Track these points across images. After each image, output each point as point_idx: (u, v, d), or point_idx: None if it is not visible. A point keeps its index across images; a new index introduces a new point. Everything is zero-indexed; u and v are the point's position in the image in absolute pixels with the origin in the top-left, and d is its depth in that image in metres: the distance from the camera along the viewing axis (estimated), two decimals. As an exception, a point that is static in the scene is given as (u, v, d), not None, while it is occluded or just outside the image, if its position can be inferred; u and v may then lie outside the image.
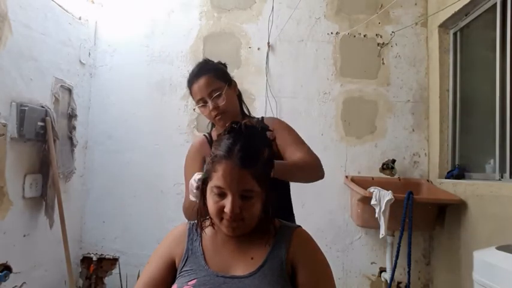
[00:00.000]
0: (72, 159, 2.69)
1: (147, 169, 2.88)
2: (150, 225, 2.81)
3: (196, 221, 1.11)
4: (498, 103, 2.10)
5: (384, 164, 2.71)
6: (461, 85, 2.59)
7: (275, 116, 2.80)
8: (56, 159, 2.35)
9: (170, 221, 2.69)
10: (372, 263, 2.74)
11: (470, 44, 2.54)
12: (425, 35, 2.83)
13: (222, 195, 0.99)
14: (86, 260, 2.89)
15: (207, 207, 1.04)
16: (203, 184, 1.06)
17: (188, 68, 2.93)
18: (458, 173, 2.45)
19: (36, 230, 2.35)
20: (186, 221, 1.19)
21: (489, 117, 2.19)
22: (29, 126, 2.17)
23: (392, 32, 2.83)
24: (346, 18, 2.89)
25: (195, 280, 0.97)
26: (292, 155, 1.49)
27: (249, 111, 1.64)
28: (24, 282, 2.27)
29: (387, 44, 2.85)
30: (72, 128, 2.68)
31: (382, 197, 2.28)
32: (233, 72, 2.88)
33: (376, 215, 2.30)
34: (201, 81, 1.46)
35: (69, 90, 2.67)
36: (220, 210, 0.99)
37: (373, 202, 2.29)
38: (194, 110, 1.58)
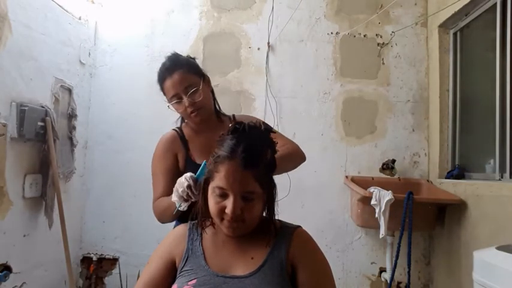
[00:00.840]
0: (72, 159, 2.69)
1: (147, 169, 2.86)
2: (150, 225, 2.78)
3: (195, 221, 1.11)
4: (498, 103, 2.10)
5: (383, 164, 2.71)
6: (461, 85, 2.59)
7: (275, 116, 2.81)
8: (56, 159, 2.35)
9: (170, 221, 2.68)
10: (372, 263, 2.74)
11: (470, 44, 2.54)
12: (425, 35, 2.83)
13: (223, 195, 0.99)
14: (86, 260, 2.89)
15: (207, 207, 1.04)
16: (204, 184, 1.06)
17: (188, 68, 2.93)
18: (458, 173, 2.45)
19: (36, 230, 2.35)
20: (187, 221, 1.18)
21: (489, 117, 2.19)
22: (29, 126, 2.17)
23: (392, 32, 2.83)
24: (346, 18, 2.89)
25: (195, 280, 0.97)
26: None
27: (219, 107, 1.60)
28: (24, 282, 2.27)
29: (387, 44, 2.85)
30: (72, 128, 2.68)
31: (382, 197, 2.28)
32: (233, 72, 2.91)
33: (376, 215, 2.30)
34: (176, 77, 1.41)
35: (69, 90, 2.67)
36: (222, 211, 0.99)
37: (373, 202, 2.29)
38: (168, 107, 1.50)
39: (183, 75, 1.42)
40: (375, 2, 2.86)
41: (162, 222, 1.49)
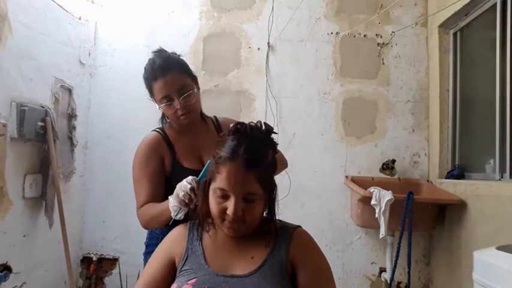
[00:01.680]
0: (72, 159, 2.69)
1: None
2: (150, 225, 2.81)
3: (195, 221, 1.11)
4: (498, 103, 2.10)
5: (383, 164, 2.71)
6: (461, 85, 2.59)
7: (275, 116, 2.81)
8: (56, 159, 2.35)
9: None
10: (372, 263, 2.74)
11: (470, 44, 2.54)
12: (425, 35, 2.83)
13: (224, 197, 0.99)
14: (86, 260, 2.89)
15: (208, 207, 1.04)
16: (205, 184, 1.05)
17: (188, 68, 2.93)
18: (458, 173, 2.45)
19: (36, 230, 2.35)
20: (187, 221, 1.18)
21: (489, 117, 2.19)
22: (29, 126, 2.17)
23: (392, 32, 2.83)
24: (346, 18, 2.89)
25: (195, 279, 0.97)
26: None
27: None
28: (24, 282, 2.27)
29: (387, 44, 2.85)
30: (72, 128, 2.68)
31: (382, 197, 2.28)
32: (233, 72, 2.91)
33: (376, 215, 2.30)
34: (170, 77, 1.33)
35: (69, 90, 2.67)
36: (223, 212, 0.99)
37: (373, 202, 2.29)
38: (161, 107, 1.40)
39: (176, 76, 1.35)
40: (375, 2, 2.86)
41: (147, 229, 1.46)
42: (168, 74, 1.34)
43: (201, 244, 1.06)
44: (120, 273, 2.77)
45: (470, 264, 1.41)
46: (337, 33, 2.88)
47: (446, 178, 2.54)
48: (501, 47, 2.09)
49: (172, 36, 2.96)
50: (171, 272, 1.04)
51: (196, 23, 2.97)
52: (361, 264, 2.74)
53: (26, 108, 2.15)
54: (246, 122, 1.06)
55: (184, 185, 1.16)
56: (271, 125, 1.07)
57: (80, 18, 2.78)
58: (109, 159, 2.91)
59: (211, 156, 1.06)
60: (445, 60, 2.66)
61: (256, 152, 1.00)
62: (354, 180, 2.66)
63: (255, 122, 1.05)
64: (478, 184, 2.17)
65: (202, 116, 1.53)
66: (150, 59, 1.41)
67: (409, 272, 2.29)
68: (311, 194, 2.78)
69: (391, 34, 2.84)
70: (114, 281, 2.82)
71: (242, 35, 2.94)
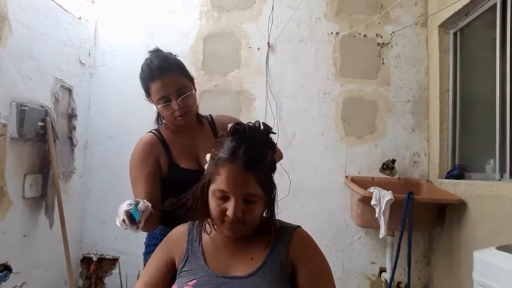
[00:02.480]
0: (72, 159, 2.69)
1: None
2: (150, 225, 2.81)
3: (196, 222, 1.11)
4: (498, 103, 2.10)
5: (384, 164, 2.71)
6: (461, 85, 2.59)
7: (275, 116, 2.81)
8: (56, 159, 2.35)
9: (170, 221, 2.68)
10: (372, 263, 2.74)
11: (470, 44, 2.54)
12: (425, 35, 2.83)
13: (224, 198, 0.98)
14: (86, 260, 2.89)
15: (208, 208, 1.04)
16: (205, 184, 1.05)
17: (188, 68, 2.89)
18: (458, 173, 2.45)
19: (36, 230, 2.35)
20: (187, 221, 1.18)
21: (489, 117, 2.18)
22: (29, 126, 2.17)
23: (392, 32, 2.83)
24: (346, 18, 2.89)
25: (195, 280, 0.97)
26: None
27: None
28: (24, 282, 2.27)
29: (387, 44, 2.85)
30: (72, 128, 2.68)
31: (382, 197, 2.28)
32: (233, 72, 2.91)
33: (376, 215, 2.30)
34: (168, 78, 1.33)
35: (69, 90, 2.67)
36: (223, 214, 0.99)
37: (373, 202, 2.29)
38: (158, 108, 1.39)
39: (175, 77, 1.35)
40: (375, 2, 2.86)
41: (146, 232, 1.44)
42: (167, 75, 1.34)
43: (201, 245, 1.06)
44: (120, 273, 2.77)
45: (470, 264, 1.41)
46: (337, 33, 2.88)
47: (446, 178, 2.54)
48: (501, 47, 2.09)
49: (172, 36, 2.96)
50: (171, 272, 1.04)
51: (196, 23, 2.97)
52: (361, 264, 2.74)
53: (26, 108, 2.15)
54: (246, 122, 1.06)
55: (118, 213, 1.16)
56: (271, 125, 1.06)
57: (80, 18, 2.78)
58: (109, 159, 2.91)
59: (210, 157, 1.06)
60: (445, 60, 2.66)
61: (256, 153, 0.99)
62: (354, 180, 2.66)
63: (254, 122, 1.05)
64: (478, 184, 2.17)
65: (198, 117, 1.53)
66: (147, 59, 1.41)
67: (409, 272, 2.29)
68: (311, 194, 2.78)
69: (391, 34, 2.84)
70: (114, 281, 2.82)
71: (242, 35, 2.94)
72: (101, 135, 2.94)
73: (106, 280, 2.88)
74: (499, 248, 1.35)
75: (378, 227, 2.32)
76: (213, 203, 1.01)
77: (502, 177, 2.06)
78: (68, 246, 2.37)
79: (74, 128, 2.69)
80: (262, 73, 2.88)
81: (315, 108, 2.85)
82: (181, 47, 2.96)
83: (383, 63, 2.84)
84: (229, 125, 1.05)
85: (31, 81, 2.27)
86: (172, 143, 1.45)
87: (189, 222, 1.14)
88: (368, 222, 2.44)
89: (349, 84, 2.85)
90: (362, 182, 2.58)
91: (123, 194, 2.95)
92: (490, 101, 2.18)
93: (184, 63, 1.46)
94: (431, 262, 2.70)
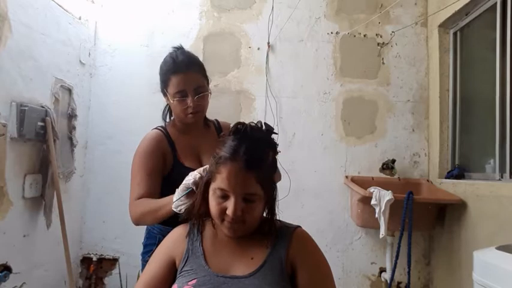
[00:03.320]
0: (72, 159, 2.69)
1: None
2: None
3: (196, 221, 1.11)
4: (498, 103, 2.10)
5: (383, 164, 2.71)
6: (461, 85, 2.59)
7: (275, 116, 2.81)
8: (56, 159, 2.35)
9: (170, 221, 2.68)
10: (372, 263, 2.74)
11: (470, 44, 2.54)
12: (425, 35, 2.83)
13: (224, 197, 0.99)
14: (86, 260, 2.89)
15: (208, 207, 1.04)
16: (205, 184, 1.05)
17: (188, 68, 2.93)
18: (458, 173, 2.45)
19: (36, 230, 2.35)
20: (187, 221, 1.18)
21: (489, 117, 2.19)
22: (29, 126, 2.17)
23: (392, 31, 2.83)
24: (346, 18, 2.89)
25: (195, 280, 0.97)
26: None
27: None
28: (24, 283, 2.27)
29: (387, 43, 2.85)
30: (72, 128, 2.68)
31: (382, 197, 2.28)
32: (233, 72, 2.91)
33: (376, 215, 2.30)
34: (190, 75, 1.39)
35: (69, 90, 2.67)
36: (222, 212, 0.99)
37: (373, 202, 2.29)
38: (168, 98, 1.43)
39: (197, 75, 1.40)
40: (375, 2, 2.86)
41: (137, 224, 1.43)
42: (190, 71, 1.39)
43: (201, 245, 1.06)
44: (120, 273, 2.77)
45: (470, 264, 1.41)
46: (337, 33, 2.88)
47: (446, 178, 2.54)
48: (501, 47, 2.09)
49: (172, 36, 2.96)
50: (171, 272, 1.04)
51: (196, 22, 2.97)
52: (361, 264, 2.74)
53: (26, 108, 2.15)
54: (246, 122, 1.06)
55: (194, 176, 1.13)
56: (271, 125, 1.07)
57: (80, 18, 2.78)
58: (109, 159, 2.91)
59: (211, 156, 1.06)
60: (445, 60, 2.66)
61: (257, 153, 1.00)
62: (354, 180, 2.66)
63: (255, 122, 1.05)
64: (478, 184, 2.17)
65: (206, 119, 1.56)
66: (171, 53, 1.46)
67: (409, 272, 2.29)
68: (311, 194, 2.78)
69: (391, 34, 2.84)
70: (114, 281, 2.82)
71: (242, 35, 2.94)
72: (101, 135, 2.94)
73: (106, 280, 2.88)
74: (499, 248, 1.35)
75: (378, 227, 2.32)
76: (213, 202, 1.01)
77: (502, 177, 2.06)
78: (68, 246, 2.37)
79: (74, 128, 2.69)
80: (262, 73, 2.88)
81: (315, 108, 2.85)
82: (181, 47, 2.96)
83: (383, 63, 2.84)
84: (232, 125, 1.05)
85: (31, 81, 2.27)
86: (177, 141, 1.47)
87: (190, 222, 1.14)
88: (368, 222, 2.44)
89: (349, 84, 2.85)
90: (362, 182, 2.58)
91: (123, 194, 2.96)
92: (490, 101, 2.18)
93: (203, 64, 1.50)
94: (431, 262, 2.70)
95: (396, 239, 2.34)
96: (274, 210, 1.07)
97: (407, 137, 2.80)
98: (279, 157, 1.11)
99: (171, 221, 1.21)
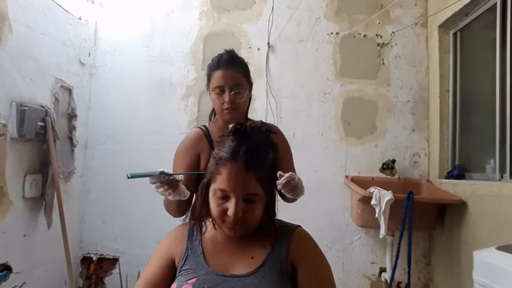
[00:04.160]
0: (72, 159, 2.69)
1: (147, 169, 2.86)
2: (150, 225, 2.81)
3: (196, 221, 1.11)
4: (498, 103, 2.10)
5: (384, 164, 2.71)
6: (461, 85, 2.59)
7: (275, 116, 2.81)
8: (56, 159, 2.35)
9: (170, 221, 2.67)
10: (372, 263, 2.74)
11: (470, 44, 2.54)
12: (425, 35, 2.83)
13: (225, 198, 0.98)
14: (86, 260, 2.89)
15: (208, 208, 1.04)
16: (206, 185, 1.05)
17: (188, 68, 2.93)
18: (458, 173, 2.45)
19: (36, 230, 2.35)
20: (187, 220, 1.18)
21: (489, 117, 2.19)
22: (29, 126, 2.17)
23: (392, 32, 2.83)
24: (346, 18, 2.89)
25: (195, 279, 0.97)
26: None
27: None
28: (24, 282, 2.27)
29: (387, 44, 2.85)
30: (72, 128, 2.68)
31: (382, 197, 2.28)
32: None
33: (376, 215, 2.30)
34: (230, 71, 1.44)
35: (69, 90, 2.67)
36: (223, 213, 0.99)
37: (373, 202, 2.29)
38: (209, 93, 1.51)
39: (236, 73, 1.46)
40: (375, 2, 2.87)
41: (172, 215, 1.59)
42: (229, 68, 1.45)
43: (201, 244, 1.06)
44: (120, 273, 2.77)
45: (470, 264, 1.41)
46: (337, 33, 2.88)
47: (446, 178, 2.54)
48: (501, 47, 2.09)
49: (172, 36, 2.97)
50: (171, 271, 1.04)
51: (196, 23, 2.97)
52: (361, 264, 2.74)
53: (26, 108, 2.15)
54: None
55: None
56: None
57: (80, 18, 2.78)
58: (109, 159, 2.92)
59: (211, 156, 1.06)
60: (445, 60, 2.66)
61: (257, 153, 1.00)
62: (354, 180, 2.66)
63: (255, 122, 1.06)
64: (478, 184, 2.17)
65: (247, 119, 1.59)
66: (220, 53, 1.52)
67: (409, 272, 2.29)
68: (311, 194, 2.76)
69: (391, 34, 2.84)
70: (114, 281, 2.82)
71: (242, 35, 2.94)
72: (101, 135, 2.94)
73: (106, 280, 2.88)
74: (499, 248, 1.35)
75: (378, 227, 2.32)
76: (213, 203, 1.01)
77: (502, 177, 2.06)
78: (68, 246, 2.37)
79: (74, 128, 2.70)
80: (262, 73, 2.89)
81: (315, 108, 2.85)
82: (181, 47, 2.96)
83: (383, 64, 2.85)
84: (230, 125, 1.05)
85: (31, 81, 2.27)
86: (216, 139, 1.51)
87: (190, 221, 1.14)
88: (368, 222, 2.44)
89: (349, 85, 2.85)
90: (362, 182, 2.58)
91: (123, 194, 2.98)
92: (490, 101, 2.18)
93: (249, 68, 1.56)
94: (431, 262, 2.70)
95: (396, 239, 2.34)
96: (274, 209, 1.07)
97: (407, 137, 2.80)
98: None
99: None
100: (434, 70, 2.72)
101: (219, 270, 0.99)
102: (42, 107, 2.32)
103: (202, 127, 1.55)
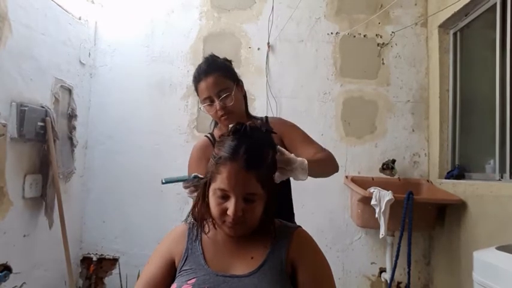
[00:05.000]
0: (72, 159, 2.69)
1: (147, 169, 2.88)
2: (150, 225, 2.81)
3: (196, 221, 1.11)
4: (498, 103, 2.10)
5: (384, 164, 2.71)
6: (461, 85, 2.59)
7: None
8: (56, 159, 2.35)
9: (170, 221, 2.69)
10: (372, 263, 2.74)
11: (470, 44, 2.54)
12: (425, 35, 2.83)
13: (225, 197, 0.98)
14: (86, 260, 2.89)
15: (208, 207, 1.04)
16: (205, 185, 1.05)
17: (188, 68, 2.93)
18: (458, 173, 2.45)
19: (36, 230, 2.35)
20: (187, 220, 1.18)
21: (489, 117, 2.19)
22: (29, 126, 2.17)
23: (392, 32, 2.83)
24: (346, 18, 2.89)
25: (195, 279, 0.97)
26: (306, 151, 1.46)
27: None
28: (24, 282, 2.27)
29: (387, 44, 2.85)
30: (72, 128, 2.68)
31: (382, 197, 2.28)
32: (233, 72, 2.91)
33: (376, 215, 2.30)
34: (210, 80, 1.42)
35: (69, 90, 2.67)
36: (223, 213, 0.99)
37: (373, 202, 2.29)
38: (200, 108, 1.52)
39: (217, 79, 1.42)
40: (375, 2, 2.87)
41: None
42: (209, 77, 1.42)
43: (201, 244, 1.06)
44: (120, 273, 2.77)
45: (470, 264, 1.41)
46: (337, 33, 2.88)
47: (446, 178, 2.54)
48: (501, 47, 2.09)
49: (172, 36, 2.96)
50: (171, 271, 1.04)
51: (196, 23, 2.97)
52: (361, 264, 2.74)
53: (26, 108, 2.15)
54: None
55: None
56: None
57: (80, 18, 2.78)
58: (109, 159, 2.92)
59: (211, 156, 1.06)
60: (445, 60, 2.66)
61: (257, 152, 1.00)
62: (354, 180, 2.66)
63: (258, 120, 1.06)
64: (478, 184, 2.17)
65: (250, 119, 1.56)
66: (198, 64, 1.50)
67: (409, 272, 2.29)
68: (311, 194, 2.77)
69: (391, 34, 2.84)
70: (114, 281, 2.82)
71: (242, 35, 2.94)
72: (101, 135, 2.94)
73: (106, 280, 2.88)
74: (499, 248, 1.35)
75: (378, 227, 2.32)
76: (213, 202, 1.01)
77: (502, 177, 2.06)
78: (68, 246, 2.37)
79: (74, 128, 2.70)
80: (262, 73, 2.89)
81: (315, 108, 2.85)
82: (181, 47, 2.96)
83: (383, 63, 2.85)
84: (231, 125, 1.05)
85: (31, 81, 2.27)
86: None
87: (189, 221, 1.14)
88: (368, 222, 2.44)
89: (349, 84, 2.85)
90: (362, 182, 2.58)
91: (123, 194, 2.98)
92: (490, 101, 2.18)
93: (231, 67, 1.52)
94: (431, 262, 2.70)
95: (396, 239, 2.34)
96: (274, 209, 1.06)
97: (407, 137, 2.80)
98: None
99: None
100: (434, 70, 2.72)
101: (219, 271, 0.99)
102: (42, 107, 2.31)
103: (208, 135, 1.56)
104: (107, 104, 2.95)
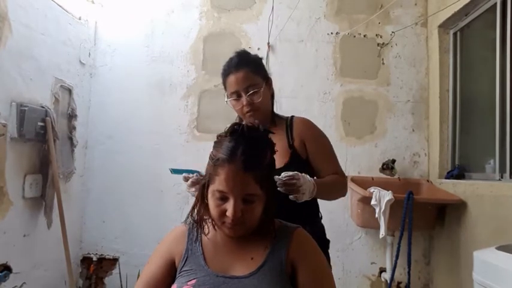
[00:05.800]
0: (72, 159, 2.69)
1: (147, 169, 2.88)
2: (150, 225, 2.81)
3: (195, 223, 1.11)
4: (498, 103, 2.10)
5: (383, 164, 2.71)
6: (461, 85, 2.59)
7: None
8: (56, 159, 2.35)
9: (170, 221, 2.68)
10: (372, 263, 2.74)
11: (470, 44, 2.54)
12: (425, 35, 2.83)
13: (223, 198, 0.98)
14: (86, 260, 2.89)
15: (207, 208, 1.04)
16: (204, 187, 1.05)
17: (188, 68, 2.93)
18: (458, 173, 2.45)
19: (36, 230, 2.35)
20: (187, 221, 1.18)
21: (489, 117, 2.19)
22: (29, 126, 2.17)
23: (392, 32, 2.83)
24: (346, 18, 2.89)
25: (195, 280, 0.97)
26: (323, 169, 1.46)
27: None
28: (24, 282, 2.27)
29: (387, 44, 2.85)
30: (72, 128, 2.68)
31: (382, 197, 2.28)
32: (233, 72, 2.91)
33: (376, 215, 2.30)
34: (240, 74, 1.41)
35: (69, 90, 2.67)
36: (222, 214, 0.98)
37: (373, 202, 2.29)
38: (226, 102, 1.49)
39: (247, 74, 1.41)
40: (375, 2, 2.86)
41: None
42: (240, 71, 1.41)
43: (201, 245, 1.06)
44: (120, 273, 2.77)
45: (470, 264, 1.41)
46: (337, 33, 2.88)
47: (446, 178, 2.54)
48: (501, 47, 2.09)
49: (172, 36, 2.96)
50: (171, 272, 1.04)
51: (196, 23, 2.97)
52: (361, 264, 2.74)
53: (26, 108, 2.15)
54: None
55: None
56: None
57: (80, 18, 2.78)
58: (109, 159, 2.91)
59: (209, 157, 1.05)
60: (445, 60, 2.66)
61: (255, 153, 0.99)
62: (354, 180, 2.65)
63: (253, 122, 1.05)
64: (478, 184, 2.17)
65: (274, 118, 1.56)
66: (230, 57, 1.48)
67: (409, 272, 2.29)
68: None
69: (391, 34, 2.84)
70: (114, 281, 2.82)
71: (242, 35, 2.94)
72: (101, 135, 2.94)
73: (106, 280, 2.88)
74: (499, 248, 1.35)
75: (378, 227, 2.32)
76: (212, 204, 1.00)
77: (502, 177, 2.06)
78: (68, 246, 2.37)
79: (74, 128, 2.70)
80: (262, 73, 2.88)
81: (315, 108, 2.85)
82: (181, 47, 2.96)
83: (383, 63, 2.84)
84: (228, 125, 1.05)
85: (31, 81, 2.27)
86: None
87: (190, 222, 1.13)
88: (368, 222, 2.44)
89: (349, 84, 2.85)
90: (362, 182, 2.58)
91: (123, 194, 2.97)
92: (489, 101, 2.18)
93: (262, 64, 1.51)
94: (431, 262, 2.70)
95: (396, 239, 2.34)
96: (274, 209, 1.06)
97: (407, 137, 2.80)
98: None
99: None
100: (434, 70, 2.72)
101: (219, 272, 0.99)
102: (42, 107, 2.31)
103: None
104: (107, 104, 2.95)
